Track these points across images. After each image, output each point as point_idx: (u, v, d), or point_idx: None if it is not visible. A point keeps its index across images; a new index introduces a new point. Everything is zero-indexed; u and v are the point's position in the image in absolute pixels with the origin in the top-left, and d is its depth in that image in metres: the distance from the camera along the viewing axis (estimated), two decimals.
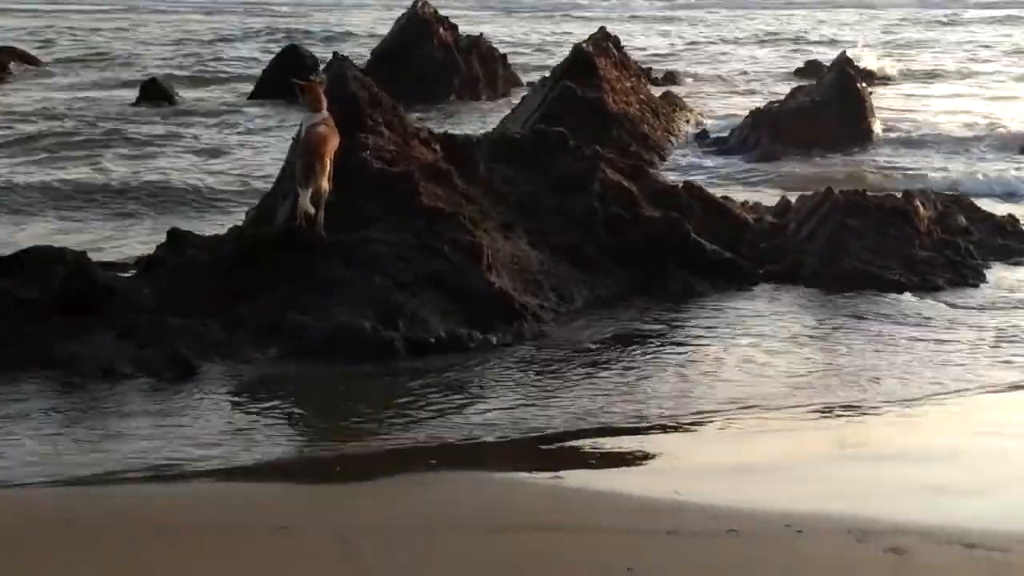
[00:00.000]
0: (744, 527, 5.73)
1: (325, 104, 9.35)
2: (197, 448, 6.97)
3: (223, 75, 27.58)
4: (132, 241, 12.15)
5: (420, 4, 24.89)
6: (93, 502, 6.33)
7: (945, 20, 42.72)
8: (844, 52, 20.51)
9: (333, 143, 9.31)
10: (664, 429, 7.40)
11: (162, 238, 9.96)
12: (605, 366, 8.48)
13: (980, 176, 16.08)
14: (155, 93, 22.60)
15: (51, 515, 6.09)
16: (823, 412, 7.79)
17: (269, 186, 11.26)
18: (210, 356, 8.32)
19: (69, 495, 6.45)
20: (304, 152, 9.22)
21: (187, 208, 13.90)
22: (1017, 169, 16.57)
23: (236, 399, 7.78)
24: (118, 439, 7.12)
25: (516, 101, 23.11)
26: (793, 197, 12.20)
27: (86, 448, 7.02)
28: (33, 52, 30.29)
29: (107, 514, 6.12)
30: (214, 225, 11.74)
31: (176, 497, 6.29)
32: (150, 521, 5.86)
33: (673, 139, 18.64)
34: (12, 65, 27.49)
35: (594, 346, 8.96)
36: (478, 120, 21.50)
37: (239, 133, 19.61)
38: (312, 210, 9.17)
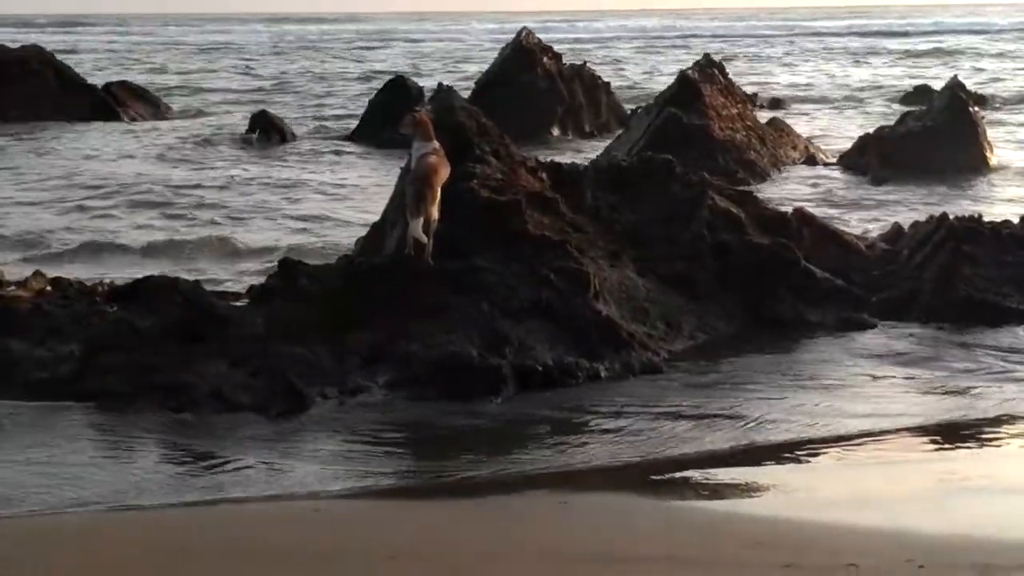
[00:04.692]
0: (864, 561, 5.57)
1: (434, 134, 9.42)
2: (309, 475, 7.01)
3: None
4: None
5: (524, 34, 25.05)
6: (208, 526, 6.40)
7: None
8: (956, 76, 20.12)
9: (443, 173, 9.36)
10: (778, 460, 7.27)
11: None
12: (715, 396, 8.38)
13: None
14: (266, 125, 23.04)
15: (166, 538, 6.16)
16: (941, 443, 7.60)
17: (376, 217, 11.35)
18: (320, 384, 8.38)
19: (183, 518, 6.53)
20: (414, 181, 9.28)
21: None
22: None
23: (346, 427, 7.82)
24: (229, 465, 7.20)
25: (619, 129, 23.16)
26: (905, 223, 11.97)
27: (199, 472, 7.12)
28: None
29: (221, 538, 6.17)
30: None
31: (290, 522, 6.32)
32: (264, 545, 5.90)
33: (780, 165, 18.45)
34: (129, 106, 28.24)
35: (703, 376, 8.86)
36: (582, 149, 21.53)
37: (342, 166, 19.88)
38: (422, 238, 9.21)
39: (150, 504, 6.62)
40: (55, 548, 6.05)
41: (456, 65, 40.73)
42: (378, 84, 32.52)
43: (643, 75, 36.31)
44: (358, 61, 40.18)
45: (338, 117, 27.15)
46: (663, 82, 29.43)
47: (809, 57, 41.55)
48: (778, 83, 32.24)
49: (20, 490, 6.76)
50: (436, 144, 9.44)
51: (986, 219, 11.38)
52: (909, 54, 50.33)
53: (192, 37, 49.67)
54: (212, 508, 6.63)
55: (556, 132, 23.99)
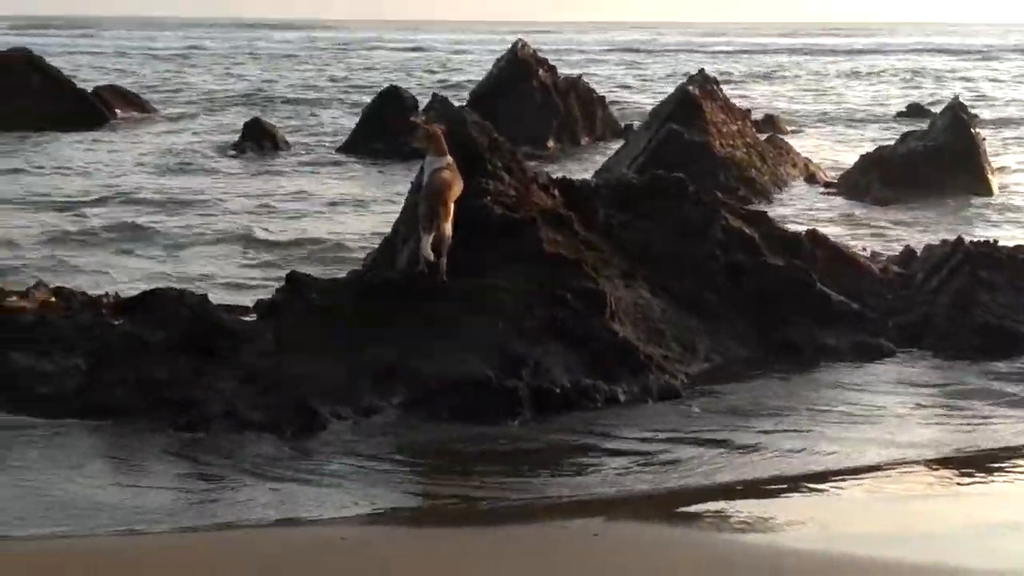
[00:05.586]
0: None
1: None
2: (322, 498, 6.82)
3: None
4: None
5: (520, 46, 24.91)
6: (222, 554, 6.19)
7: None
8: (957, 97, 20.07)
9: (456, 188, 9.18)
10: (806, 491, 7.10)
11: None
12: (737, 423, 8.20)
13: None
14: (258, 133, 22.81)
15: (177, 567, 5.95)
16: (968, 474, 7.46)
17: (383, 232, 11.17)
18: (333, 404, 8.18)
19: (195, 545, 6.32)
20: (427, 197, 9.10)
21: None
22: None
23: (362, 449, 7.61)
24: (243, 488, 6.99)
25: (614, 143, 23.05)
26: (912, 244, 11.85)
27: (211, 495, 6.91)
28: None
29: (237, 567, 5.97)
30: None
31: (311, 550, 6.12)
32: (276, 570, 5.70)
33: (780, 184, 18.35)
34: (119, 111, 27.95)
35: (722, 401, 8.69)
36: (579, 163, 21.40)
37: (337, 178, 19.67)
38: (433, 256, 9.03)
39: (160, 530, 6.40)
40: (59, 573, 5.85)
41: (426, 75, 40.58)
42: (361, 92, 32.38)
43: (622, 89, 36.21)
44: (336, 68, 40.08)
45: (325, 126, 26.92)
46: (643, 99, 29.49)
47: (788, 74, 41.62)
48: (761, 99, 32.13)
49: (21, 515, 6.53)
50: (450, 159, 9.26)
51: (1000, 243, 11.26)
52: (889, 72, 50.51)
53: (168, 42, 49.43)
54: (226, 534, 6.41)
55: (551, 143, 23.84)
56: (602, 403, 8.50)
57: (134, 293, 9.55)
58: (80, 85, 28.66)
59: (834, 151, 23.42)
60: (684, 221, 10.71)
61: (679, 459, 7.48)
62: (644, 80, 39.95)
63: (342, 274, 10.35)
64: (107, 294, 9.57)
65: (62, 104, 26.98)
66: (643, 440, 7.81)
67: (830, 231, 14.21)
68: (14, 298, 9.23)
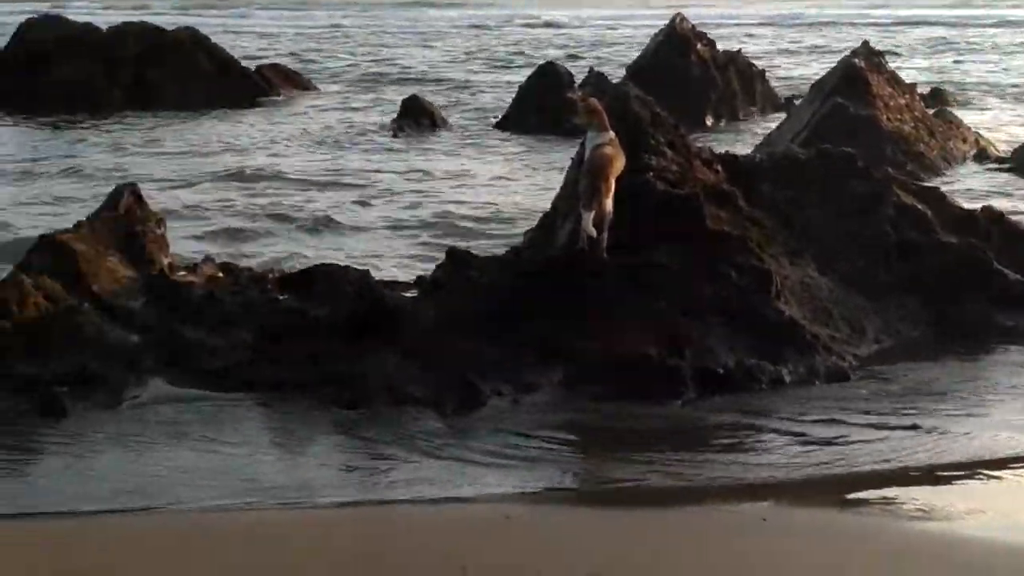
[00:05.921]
0: None
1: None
2: (483, 475, 6.79)
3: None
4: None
5: (678, 19, 24.53)
6: (386, 529, 6.20)
7: None
8: None
9: (619, 164, 9.02)
10: (987, 478, 6.79)
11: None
12: (910, 406, 7.89)
13: None
14: (417, 111, 22.91)
15: (339, 540, 5.98)
16: None
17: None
18: (494, 381, 8.14)
19: (358, 519, 6.35)
20: (589, 173, 8.96)
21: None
22: None
23: (523, 426, 7.56)
24: (405, 464, 7.00)
25: (774, 118, 22.55)
26: None
27: (373, 470, 6.94)
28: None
29: (400, 543, 5.97)
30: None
31: (476, 528, 6.09)
32: (452, 552, 5.67)
33: (950, 159, 17.68)
34: (281, 89, 28.46)
35: (893, 384, 8.38)
36: (739, 138, 20.98)
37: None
38: (595, 232, 8.90)
39: (323, 504, 6.45)
40: (224, 544, 5.94)
41: (578, 50, 40.49)
42: (505, 69, 32.34)
43: (777, 58, 35.37)
44: (486, 45, 40.23)
45: (481, 103, 26.97)
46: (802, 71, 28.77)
47: (957, 45, 40.07)
48: (927, 72, 31.01)
49: (190, 483, 6.67)
50: (612, 134, 9.11)
51: None
52: None
53: (319, 21, 50.44)
54: (388, 509, 6.43)
55: (711, 119, 23.43)
56: (767, 384, 8.29)
57: (299, 269, 9.67)
58: (243, 64, 29.28)
59: (1006, 126, 22.49)
60: (853, 197, 10.37)
61: (849, 443, 7.23)
62: (797, 53, 39.09)
63: (502, 251, 10.29)
64: (272, 270, 9.72)
65: (227, 83, 27.59)
66: (811, 423, 7.57)
67: (1004, 207, 13.65)
68: (183, 272, 9.44)
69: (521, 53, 38.18)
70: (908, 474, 6.83)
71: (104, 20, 32.09)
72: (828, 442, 7.24)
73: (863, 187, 10.43)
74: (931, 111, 20.22)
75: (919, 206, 10.42)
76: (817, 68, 28.23)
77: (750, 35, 43.33)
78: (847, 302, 9.57)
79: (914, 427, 7.47)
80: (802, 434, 7.39)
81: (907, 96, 18.63)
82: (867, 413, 7.74)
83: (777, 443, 7.25)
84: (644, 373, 8.20)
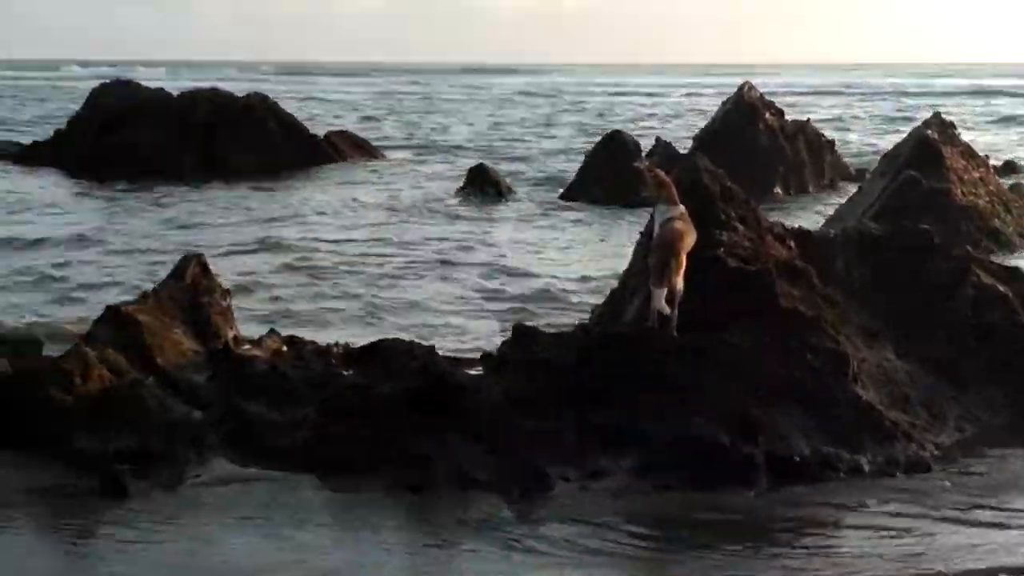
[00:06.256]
0: None
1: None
2: (548, 570, 6.54)
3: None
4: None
5: (746, 88, 24.39)
6: None
7: None
8: None
9: (689, 239, 8.82)
10: None
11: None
12: (997, 501, 7.53)
13: None
14: (482, 179, 22.92)
15: None
16: None
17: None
18: (561, 465, 7.91)
19: None
20: (659, 248, 8.76)
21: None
22: None
23: (591, 516, 7.29)
24: (470, 554, 6.78)
25: (844, 189, 22.26)
26: None
27: (436, 558, 6.73)
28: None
29: None
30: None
31: None
32: None
33: None
34: (348, 155, 28.66)
35: (977, 476, 8.03)
36: (807, 210, 20.72)
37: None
38: (665, 310, 8.68)
39: None
40: None
41: (653, 120, 40.23)
42: (578, 135, 32.25)
43: (840, 130, 35.00)
44: (554, 112, 40.31)
45: (547, 171, 26.90)
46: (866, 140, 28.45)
47: (999, 119, 39.50)
48: (997, 144, 30.51)
49: (247, 568, 6.49)
50: (682, 208, 8.91)
51: None
52: None
53: (385, 88, 50.89)
54: None
55: (778, 190, 23.19)
56: (845, 473, 7.98)
57: (363, 343, 9.53)
58: (311, 130, 29.54)
59: None
60: (931, 277, 10.08)
61: (933, 539, 6.90)
62: (861, 120, 38.72)
63: (569, 326, 10.09)
64: (337, 343, 9.59)
65: (296, 149, 27.87)
66: (892, 515, 7.25)
67: None
68: (248, 346, 9.33)
69: (585, 120, 38.19)
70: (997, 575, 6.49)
71: (175, 85, 32.56)
72: (911, 539, 6.91)
73: (942, 267, 10.15)
74: (1006, 183, 19.86)
75: (1000, 286, 10.10)
76: (889, 140, 27.91)
77: (817, 104, 43.14)
78: (926, 387, 9.25)
79: (999, 524, 7.13)
80: (884, 527, 7.07)
81: (981, 169, 18.32)
82: (951, 508, 7.39)
83: (856, 538, 6.93)
84: (716, 461, 7.93)
